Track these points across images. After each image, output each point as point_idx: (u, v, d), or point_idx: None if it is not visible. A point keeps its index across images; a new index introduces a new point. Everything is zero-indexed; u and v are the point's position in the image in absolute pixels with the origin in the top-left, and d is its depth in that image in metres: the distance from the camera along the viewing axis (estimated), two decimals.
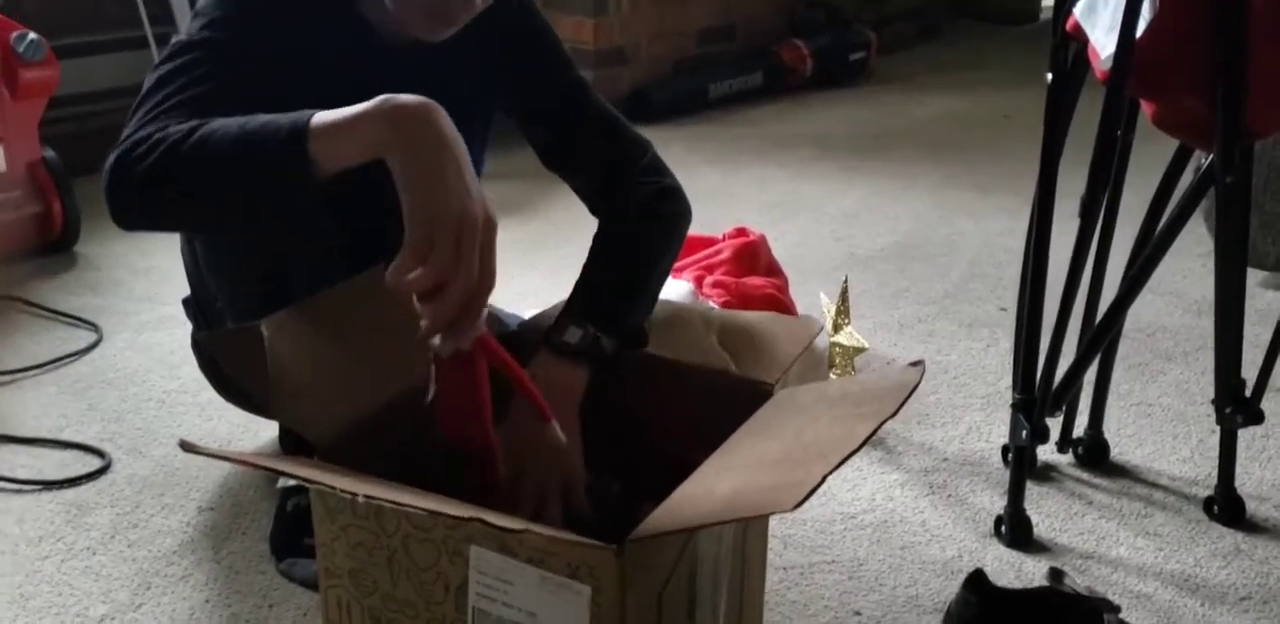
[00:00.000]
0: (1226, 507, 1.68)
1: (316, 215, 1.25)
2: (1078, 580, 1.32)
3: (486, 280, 1.01)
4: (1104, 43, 1.47)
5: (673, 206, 1.45)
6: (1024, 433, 1.63)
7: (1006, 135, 3.57)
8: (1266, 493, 1.75)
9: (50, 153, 2.50)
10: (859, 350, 1.98)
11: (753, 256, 2.22)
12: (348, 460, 1.07)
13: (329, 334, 1.18)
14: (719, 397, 1.28)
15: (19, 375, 2.04)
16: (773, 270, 2.24)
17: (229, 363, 1.22)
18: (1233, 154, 1.46)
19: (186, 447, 0.96)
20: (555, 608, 0.96)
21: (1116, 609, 1.28)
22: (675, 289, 2.01)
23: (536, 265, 2.50)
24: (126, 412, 1.92)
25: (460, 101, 1.13)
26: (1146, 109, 1.55)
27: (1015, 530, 1.62)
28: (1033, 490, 1.72)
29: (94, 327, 2.22)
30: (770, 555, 1.43)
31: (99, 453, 1.79)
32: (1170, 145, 1.63)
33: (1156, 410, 1.99)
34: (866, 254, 2.68)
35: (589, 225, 1.44)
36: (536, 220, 2.78)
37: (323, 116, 1.04)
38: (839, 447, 0.90)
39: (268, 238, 1.34)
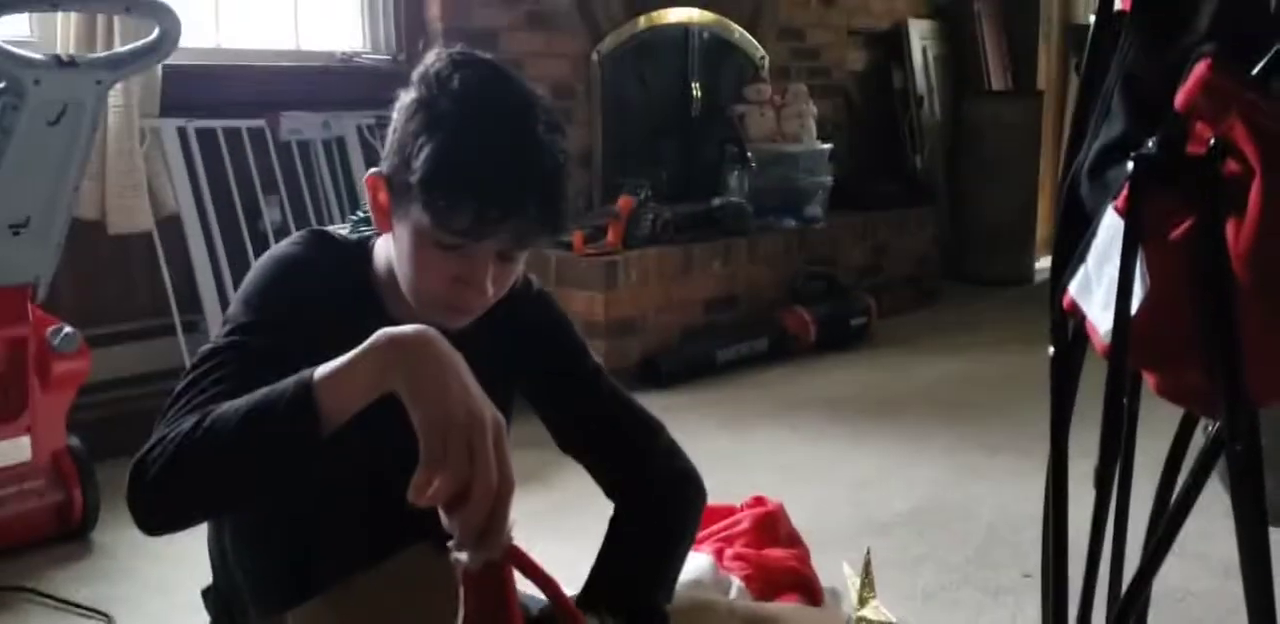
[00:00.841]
0: None
1: (334, 480, 1.26)
2: None
3: (506, 481, 1.00)
4: (1101, 319, 1.52)
5: (689, 492, 1.46)
6: None
7: (1010, 395, 3.62)
8: None
9: (75, 441, 2.52)
10: None
11: (772, 526, 2.21)
12: None
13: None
14: None
15: None
16: (793, 540, 2.22)
17: None
18: (1239, 423, 1.49)
19: None
20: None
21: None
22: (695, 562, 1.98)
23: (561, 535, 2.48)
24: None
25: (480, 385, 1.17)
26: (1149, 380, 1.58)
27: None
28: None
29: (106, 618, 2.18)
30: None
31: None
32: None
33: None
34: (884, 520, 2.67)
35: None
36: (556, 490, 2.78)
37: (322, 368, 1.07)
38: None
39: (290, 507, 1.31)
